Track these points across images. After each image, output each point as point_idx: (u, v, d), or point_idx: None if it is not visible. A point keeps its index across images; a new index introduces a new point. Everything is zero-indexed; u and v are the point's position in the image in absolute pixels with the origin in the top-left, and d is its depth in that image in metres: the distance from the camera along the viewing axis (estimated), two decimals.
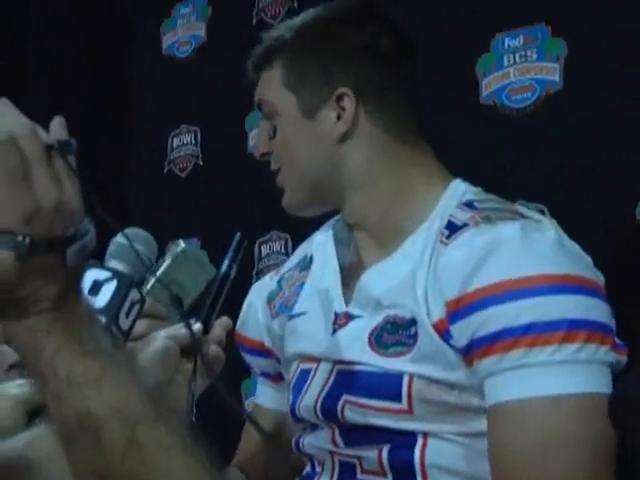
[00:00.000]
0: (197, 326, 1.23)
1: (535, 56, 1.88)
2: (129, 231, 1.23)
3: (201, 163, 2.59)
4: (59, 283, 0.74)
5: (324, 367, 1.33)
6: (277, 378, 1.52)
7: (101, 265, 1.18)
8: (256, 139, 1.44)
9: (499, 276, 1.16)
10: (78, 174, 0.75)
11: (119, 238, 1.25)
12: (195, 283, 1.29)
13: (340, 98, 1.32)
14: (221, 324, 1.27)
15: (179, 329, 1.20)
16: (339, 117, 1.32)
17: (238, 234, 1.32)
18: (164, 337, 1.18)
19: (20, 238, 0.70)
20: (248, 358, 1.54)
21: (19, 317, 0.73)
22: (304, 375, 1.36)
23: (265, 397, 1.55)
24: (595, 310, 1.17)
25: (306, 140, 1.34)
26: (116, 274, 1.15)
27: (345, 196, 1.36)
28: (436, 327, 1.21)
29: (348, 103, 1.32)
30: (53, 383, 0.74)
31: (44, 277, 0.73)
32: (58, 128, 0.77)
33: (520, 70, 1.90)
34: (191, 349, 1.18)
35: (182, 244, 1.28)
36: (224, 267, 1.29)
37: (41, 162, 0.72)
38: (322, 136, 1.33)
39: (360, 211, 1.36)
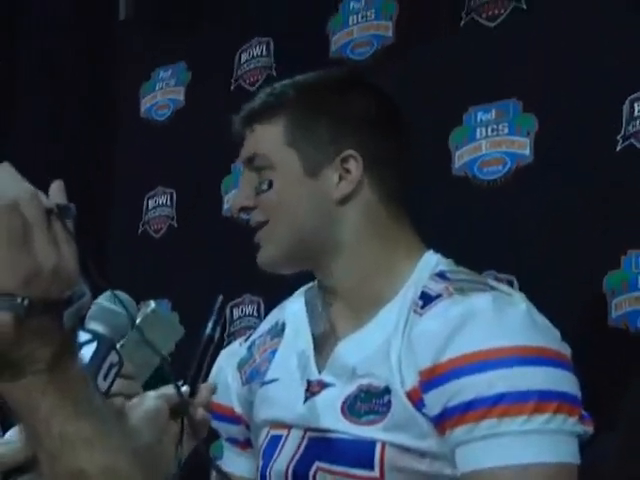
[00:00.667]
0: (184, 388, 1.23)
1: (506, 130, 1.94)
2: (110, 293, 1.24)
3: (175, 225, 2.62)
4: (55, 345, 0.75)
5: (295, 434, 1.34)
6: (245, 445, 1.50)
7: (81, 327, 1.19)
8: (238, 192, 1.41)
9: (472, 347, 1.18)
10: (76, 238, 0.77)
11: (100, 300, 1.26)
12: (165, 343, 1.30)
13: (345, 160, 1.33)
14: (207, 387, 1.27)
15: (168, 389, 1.20)
16: (341, 179, 1.33)
17: (220, 297, 1.31)
18: (155, 397, 1.19)
19: (19, 300, 0.72)
20: (216, 424, 1.51)
21: (15, 377, 0.75)
22: (275, 441, 1.36)
23: (233, 464, 1.52)
24: (564, 382, 1.19)
25: (305, 197, 1.34)
26: (96, 336, 1.16)
27: (327, 258, 1.35)
28: (409, 396, 1.22)
29: (354, 166, 1.33)
30: (47, 441, 0.75)
31: (41, 339, 0.74)
32: (57, 192, 0.79)
33: (492, 143, 1.95)
34: (179, 411, 1.18)
35: (152, 304, 1.28)
36: (208, 329, 1.28)
37: (41, 226, 0.74)
38: (322, 195, 1.33)
39: (338, 276, 1.36)
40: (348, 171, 1.33)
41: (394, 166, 1.36)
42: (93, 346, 1.15)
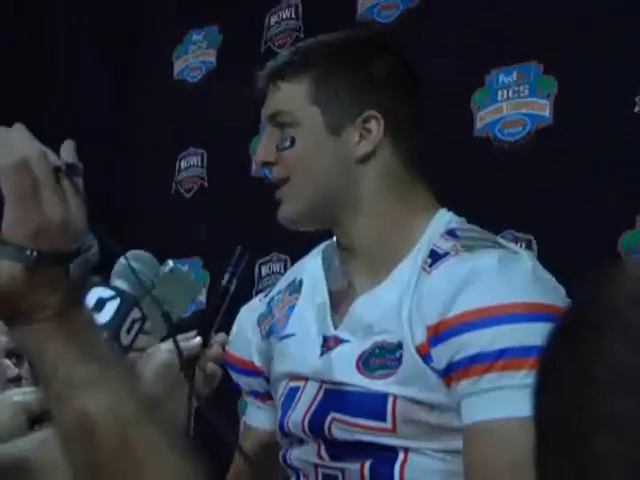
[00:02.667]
0: (197, 339, 1.28)
1: (527, 92, 1.96)
2: (133, 253, 1.30)
3: (206, 185, 2.67)
4: (62, 294, 0.80)
5: (312, 385, 1.39)
6: (265, 397, 1.55)
7: (106, 284, 1.24)
8: (260, 147, 1.42)
9: (476, 303, 1.23)
10: (83, 195, 0.82)
11: (124, 259, 1.31)
12: (182, 301, 1.34)
13: (367, 120, 1.35)
14: (219, 341, 1.31)
15: (181, 342, 1.24)
16: (361, 138, 1.35)
17: (239, 248, 1.32)
18: (166, 350, 1.24)
19: (28, 252, 0.77)
20: (237, 377, 1.56)
21: (25, 323, 0.80)
22: (293, 392, 1.41)
23: (254, 417, 1.58)
24: None
25: (327, 155, 1.36)
26: (119, 293, 1.22)
27: (346, 216, 1.38)
28: (419, 350, 1.27)
29: (375, 126, 1.35)
30: (54, 383, 0.81)
31: (49, 288, 0.79)
32: (67, 151, 0.83)
33: (513, 105, 1.98)
34: (188, 364, 1.22)
35: (170, 263, 1.32)
36: (224, 281, 1.31)
37: (50, 183, 0.79)
38: (343, 153, 1.36)
39: (357, 234, 1.38)
40: (369, 131, 1.35)
41: (413, 129, 1.39)
42: (117, 302, 1.21)
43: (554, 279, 1.29)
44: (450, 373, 1.24)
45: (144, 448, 0.80)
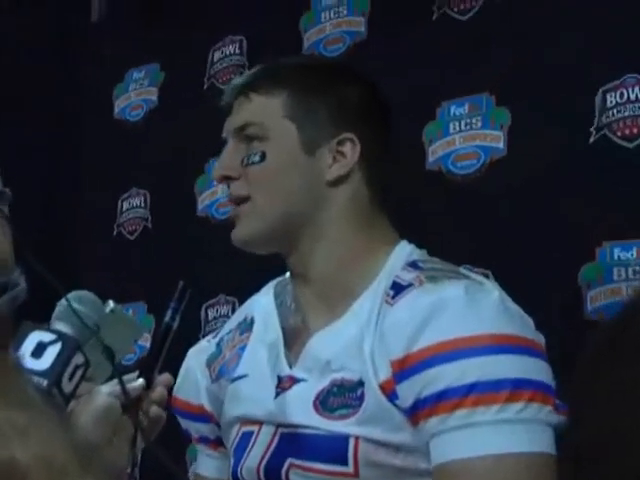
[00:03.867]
0: (140, 381, 1.21)
1: (480, 124, 1.93)
2: (75, 294, 1.22)
3: (150, 226, 2.59)
4: None
5: (267, 430, 1.31)
6: (216, 444, 1.47)
7: (46, 327, 1.16)
8: (222, 160, 1.35)
9: (443, 336, 1.16)
10: (11, 224, 0.75)
11: (65, 300, 1.24)
12: (124, 343, 1.28)
13: (342, 142, 1.31)
14: (163, 382, 1.24)
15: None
16: (334, 161, 1.31)
17: (181, 282, 1.26)
18: (106, 393, 1.16)
19: None
20: (186, 423, 1.48)
21: None
22: (246, 438, 1.34)
23: (205, 467, 1.50)
24: (537, 370, 1.17)
25: (298, 174, 1.31)
26: (61, 336, 1.14)
27: (307, 241, 1.32)
28: (382, 387, 1.20)
29: (350, 149, 1.31)
30: None
31: None
32: None
33: (465, 137, 1.95)
34: (130, 407, 1.15)
35: (111, 304, 1.26)
36: (167, 318, 1.25)
37: None
38: (315, 174, 1.31)
39: (314, 261, 1.32)
40: (343, 154, 1.31)
41: (384, 157, 1.35)
42: (58, 346, 1.13)
43: (521, 310, 1.24)
44: (417, 411, 1.18)
45: None
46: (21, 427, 0.72)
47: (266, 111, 1.32)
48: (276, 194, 1.31)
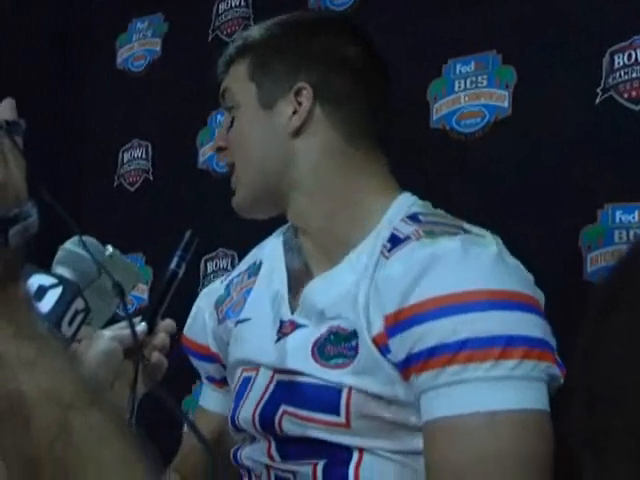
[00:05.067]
0: (142, 325, 1.20)
1: (485, 82, 1.91)
2: (77, 238, 1.22)
3: (151, 178, 2.58)
4: None
5: (263, 375, 1.31)
6: (222, 383, 1.49)
7: (47, 271, 1.16)
8: (217, 133, 1.44)
9: (436, 291, 1.15)
10: (25, 155, 0.74)
11: (68, 245, 1.23)
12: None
13: (298, 93, 1.32)
14: (165, 328, 1.24)
15: (123, 329, 1.17)
16: (295, 112, 1.32)
17: (189, 231, 1.28)
18: (109, 338, 1.16)
19: None
20: (194, 361, 1.53)
21: None
22: (245, 383, 1.34)
23: (209, 400, 1.53)
24: (532, 326, 1.16)
25: (261, 131, 1.34)
26: (62, 281, 1.14)
27: (290, 197, 1.34)
28: (375, 341, 1.20)
29: (305, 98, 1.32)
30: None
31: None
32: (8, 109, 0.77)
33: (470, 96, 1.92)
34: (134, 351, 1.15)
35: (110, 249, 1.26)
36: (172, 264, 1.25)
37: None
38: (277, 128, 1.32)
39: (303, 215, 1.34)
40: (301, 104, 1.32)
41: (359, 102, 1.34)
42: (59, 290, 1.13)
43: (521, 265, 1.23)
44: (409, 366, 1.17)
45: (85, 434, 0.71)
46: (29, 359, 0.71)
47: (235, 78, 1.38)
48: (248, 157, 1.35)
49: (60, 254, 1.23)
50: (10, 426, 0.72)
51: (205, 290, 1.56)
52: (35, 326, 0.75)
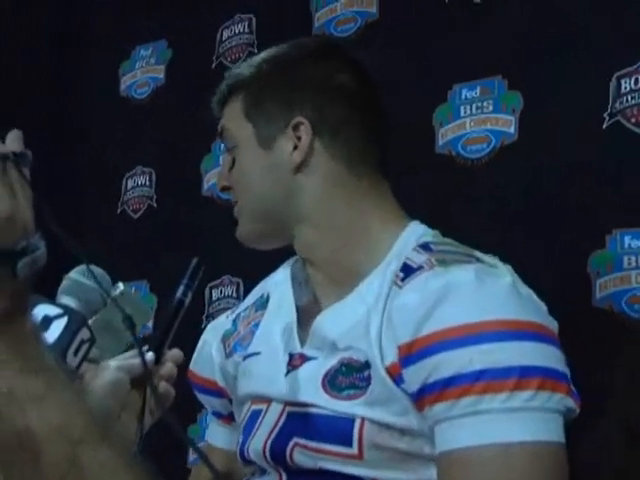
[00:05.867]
0: (149, 355, 1.19)
1: (491, 107, 1.91)
2: (83, 268, 1.21)
3: (155, 205, 2.57)
4: (6, 297, 0.72)
5: (275, 408, 1.30)
6: (229, 419, 1.48)
7: (52, 301, 1.15)
8: (220, 172, 1.43)
9: (452, 321, 1.14)
10: (32, 187, 0.74)
11: (73, 274, 1.22)
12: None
13: (296, 128, 1.32)
14: (173, 357, 1.23)
15: (130, 359, 1.16)
16: (295, 148, 1.32)
17: (195, 259, 1.27)
18: (115, 368, 1.15)
19: None
20: (200, 397, 1.51)
21: None
22: (255, 416, 1.33)
23: (216, 436, 1.52)
24: (548, 357, 1.15)
25: (261, 170, 1.33)
26: (67, 311, 1.13)
27: (296, 230, 1.33)
28: (389, 371, 1.18)
29: (304, 132, 1.31)
30: None
31: None
32: (15, 141, 0.76)
33: (476, 121, 1.92)
34: (142, 381, 1.14)
35: (121, 286, 1.25)
36: (178, 293, 1.25)
37: None
38: (278, 166, 1.32)
39: (311, 247, 1.33)
40: (300, 139, 1.32)
41: (356, 128, 1.33)
42: (64, 320, 1.12)
43: (534, 294, 1.22)
44: (423, 396, 1.16)
45: (97, 471, 0.70)
46: (38, 394, 0.70)
47: (230, 117, 1.38)
48: (250, 196, 1.35)
49: (65, 283, 1.22)
50: (19, 462, 0.71)
51: (212, 324, 1.55)
52: (43, 359, 0.74)
